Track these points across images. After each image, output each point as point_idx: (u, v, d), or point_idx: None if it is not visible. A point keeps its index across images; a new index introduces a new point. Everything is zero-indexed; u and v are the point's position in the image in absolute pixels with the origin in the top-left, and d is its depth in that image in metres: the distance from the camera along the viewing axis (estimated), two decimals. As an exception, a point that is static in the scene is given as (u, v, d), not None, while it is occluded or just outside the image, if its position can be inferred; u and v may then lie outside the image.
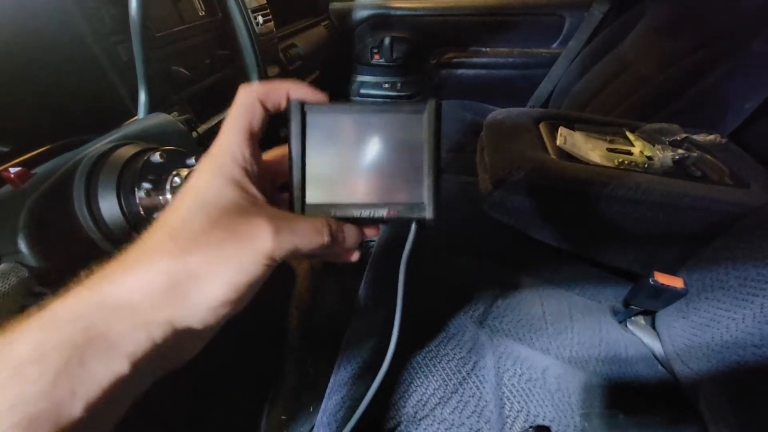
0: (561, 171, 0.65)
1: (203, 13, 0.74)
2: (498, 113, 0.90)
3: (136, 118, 0.59)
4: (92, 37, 0.54)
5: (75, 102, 0.54)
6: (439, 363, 0.56)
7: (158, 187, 0.37)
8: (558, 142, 0.76)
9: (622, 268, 0.74)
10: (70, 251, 0.36)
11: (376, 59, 1.56)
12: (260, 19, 0.84)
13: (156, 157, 0.38)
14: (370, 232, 0.25)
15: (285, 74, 1.01)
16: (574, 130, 0.82)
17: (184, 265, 0.18)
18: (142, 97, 0.54)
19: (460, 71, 1.54)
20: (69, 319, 0.17)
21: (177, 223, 0.19)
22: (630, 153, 0.75)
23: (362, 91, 1.65)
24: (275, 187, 0.25)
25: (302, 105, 0.23)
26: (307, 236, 0.21)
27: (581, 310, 0.69)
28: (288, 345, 0.99)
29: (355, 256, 0.25)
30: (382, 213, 0.23)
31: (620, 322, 0.70)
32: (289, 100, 0.23)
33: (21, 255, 0.33)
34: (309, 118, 0.23)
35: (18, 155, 0.46)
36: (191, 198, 0.20)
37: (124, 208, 0.37)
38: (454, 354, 0.58)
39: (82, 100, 0.55)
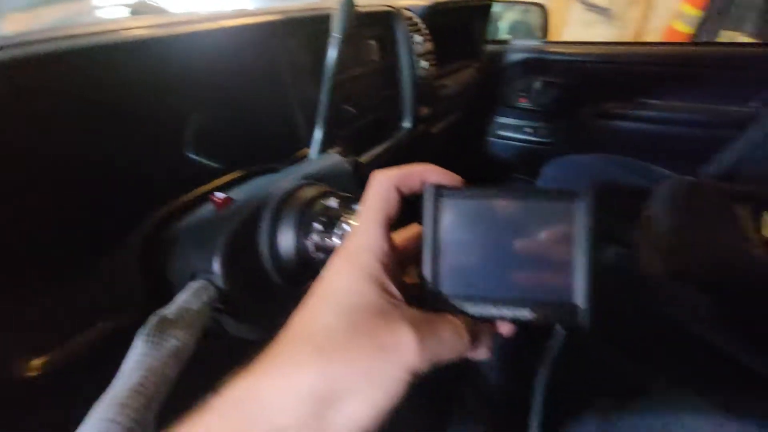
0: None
1: (376, 57, 0.80)
2: (677, 182, 0.76)
3: (306, 150, 0.65)
4: (290, 79, 0.62)
5: (265, 131, 0.63)
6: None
7: (328, 230, 0.39)
8: (766, 233, 0.61)
9: None
10: (246, 277, 0.40)
11: (522, 102, 1.50)
12: (425, 63, 0.88)
13: (332, 202, 0.40)
14: (505, 330, 0.22)
15: (434, 113, 1.03)
16: (789, 220, 0.65)
17: (328, 382, 0.17)
18: (318, 133, 0.59)
19: (618, 123, 1.38)
20: None
21: (319, 330, 0.18)
22: None
23: (500, 132, 1.60)
24: (403, 272, 0.23)
25: (437, 190, 0.21)
26: (449, 344, 0.19)
27: (781, 464, 0.51)
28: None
29: (486, 355, 0.22)
30: (526, 314, 0.20)
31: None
32: (423, 185, 0.21)
33: (213, 275, 0.37)
34: (444, 204, 0.21)
35: (221, 174, 0.54)
36: (332, 300, 0.19)
37: (299, 246, 0.39)
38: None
39: (270, 131, 0.63)
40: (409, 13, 0.86)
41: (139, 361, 0.28)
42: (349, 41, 0.57)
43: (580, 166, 1.15)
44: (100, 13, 0.95)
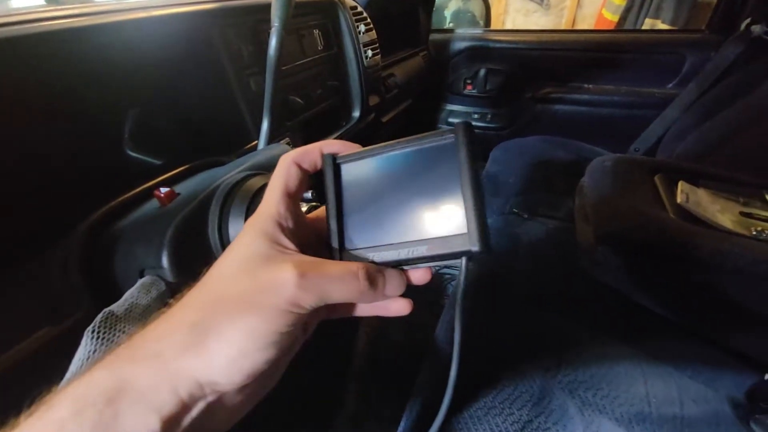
0: (685, 235, 0.58)
1: (321, 47, 0.80)
2: (606, 159, 0.83)
3: (255, 142, 0.65)
4: (231, 71, 0.61)
5: (210, 125, 0.61)
6: (522, 430, 0.52)
7: (279, 218, 0.40)
8: (678, 200, 0.68)
9: (748, 354, 0.63)
10: (198, 269, 0.39)
11: (468, 90, 1.56)
12: (369, 52, 0.89)
13: (280, 191, 0.41)
14: (419, 277, 0.23)
15: (382, 102, 1.04)
16: (697, 187, 0.73)
17: (208, 314, 0.19)
18: (265, 125, 0.59)
19: (556, 107, 1.47)
20: (104, 374, 0.18)
21: (212, 278, 0.21)
22: (771, 222, 0.64)
23: (450, 119, 1.65)
24: (321, 243, 0.25)
25: (334, 157, 0.23)
26: (340, 281, 0.20)
27: (693, 397, 0.60)
28: (352, 369, 1.00)
29: (404, 308, 0.23)
30: (423, 250, 0.21)
31: (741, 419, 0.59)
32: (322, 155, 0.24)
33: (162, 270, 0.37)
34: (342, 168, 0.23)
35: (165, 170, 0.52)
36: (229, 255, 0.21)
37: (248, 236, 0.40)
38: (539, 422, 0.53)
39: (215, 124, 0.62)
40: (352, 2, 0.86)
41: (87, 358, 0.28)
42: (292, 31, 0.57)
43: (523, 147, 1.22)
44: (15, 3, 0.87)
